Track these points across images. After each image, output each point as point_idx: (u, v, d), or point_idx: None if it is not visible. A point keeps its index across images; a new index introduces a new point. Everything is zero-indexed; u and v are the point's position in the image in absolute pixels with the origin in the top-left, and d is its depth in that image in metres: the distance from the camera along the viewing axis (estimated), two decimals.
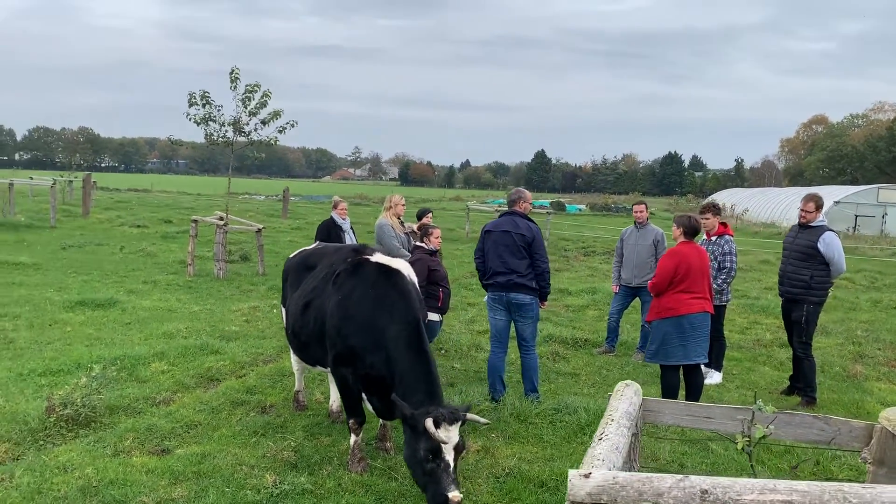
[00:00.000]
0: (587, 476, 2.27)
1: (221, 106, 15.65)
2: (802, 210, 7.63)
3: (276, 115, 15.79)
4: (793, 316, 7.63)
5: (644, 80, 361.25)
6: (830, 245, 7.24)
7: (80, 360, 7.72)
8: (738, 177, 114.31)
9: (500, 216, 7.25)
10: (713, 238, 8.16)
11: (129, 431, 5.81)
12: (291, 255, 6.70)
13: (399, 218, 8.73)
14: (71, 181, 34.35)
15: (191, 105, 15.48)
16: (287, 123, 16.02)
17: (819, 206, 7.55)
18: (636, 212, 9.58)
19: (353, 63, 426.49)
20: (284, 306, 6.42)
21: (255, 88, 15.58)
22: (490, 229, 7.03)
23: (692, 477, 2.22)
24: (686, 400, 6.85)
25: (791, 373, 8.14)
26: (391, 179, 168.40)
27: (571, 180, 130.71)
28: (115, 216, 26.81)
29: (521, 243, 6.80)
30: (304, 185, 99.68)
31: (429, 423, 4.35)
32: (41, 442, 5.56)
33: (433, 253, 7.65)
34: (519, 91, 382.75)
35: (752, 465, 2.86)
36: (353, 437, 5.36)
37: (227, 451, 5.53)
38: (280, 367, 8.06)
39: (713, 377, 8.18)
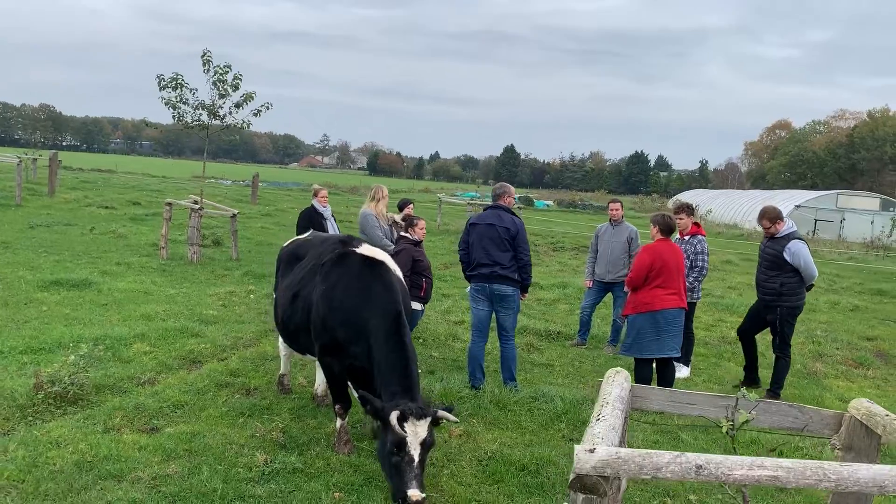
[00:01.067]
0: (592, 451, 2.47)
1: (196, 89, 15.60)
2: (762, 227, 7.92)
3: (248, 97, 15.77)
4: (767, 317, 7.92)
5: (615, 79, 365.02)
6: (796, 254, 7.53)
7: (61, 339, 7.74)
8: (702, 178, 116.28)
9: (484, 209, 7.45)
10: (686, 237, 8.45)
11: (118, 409, 5.89)
12: (285, 244, 6.80)
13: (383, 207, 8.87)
14: (35, 159, 33.68)
15: (161, 88, 15.39)
16: (262, 106, 16.01)
17: (773, 219, 7.79)
18: (611, 210, 9.85)
19: (326, 50, 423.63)
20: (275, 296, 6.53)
21: (227, 70, 15.54)
22: (475, 222, 7.23)
23: (687, 454, 2.43)
24: None
25: (744, 363, 8.47)
26: (359, 168, 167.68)
27: (540, 176, 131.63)
28: (82, 196, 26.40)
29: (506, 236, 7.01)
30: (272, 171, 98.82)
31: (393, 416, 4.43)
32: (30, 418, 5.62)
33: (417, 243, 7.82)
34: (491, 86, 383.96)
35: (734, 448, 3.09)
36: (338, 421, 5.51)
37: (216, 431, 5.64)
38: (261, 351, 8.17)
39: (681, 371, 8.49)
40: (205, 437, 5.50)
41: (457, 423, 5.29)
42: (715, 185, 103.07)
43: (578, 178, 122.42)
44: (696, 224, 8.55)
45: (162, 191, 34.81)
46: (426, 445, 4.52)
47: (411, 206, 9.39)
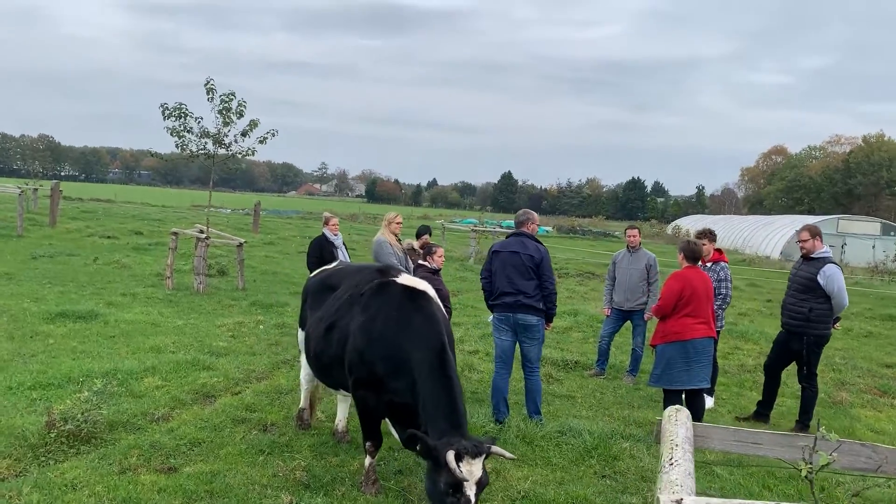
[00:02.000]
0: (679, 502, 2.28)
1: (201, 118, 15.49)
2: (799, 240, 7.79)
3: (254, 124, 15.66)
4: (793, 347, 7.70)
5: (610, 107, 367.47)
6: (831, 278, 7.34)
7: (70, 373, 7.53)
8: (699, 203, 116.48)
9: (507, 237, 7.28)
10: (708, 264, 8.28)
11: (133, 448, 5.66)
12: (312, 275, 6.61)
13: (396, 235, 8.70)
14: (36, 189, 33.56)
15: (165, 117, 15.29)
16: (267, 133, 15.88)
17: (814, 234, 7.67)
18: (629, 236, 9.71)
19: (323, 80, 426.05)
20: (302, 327, 6.31)
21: (231, 97, 15.45)
22: (498, 249, 7.06)
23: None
24: (656, 434, 6.92)
25: (760, 398, 8.23)
26: (357, 196, 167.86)
27: (537, 202, 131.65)
28: (84, 226, 26.24)
29: (530, 264, 6.83)
30: (271, 200, 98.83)
31: (450, 456, 4.20)
32: (42, 458, 5.39)
33: (436, 272, 7.64)
34: (488, 114, 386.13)
35: (813, 492, 2.89)
36: (368, 459, 5.28)
37: (237, 470, 5.42)
38: (275, 384, 7.95)
39: (706, 401, 8.27)
40: (225, 477, 5.27)
41: (513, 458, 5.00)
42: (712, 210, 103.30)
43: (575, 204, 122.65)
44: (718, 250, 8.39)
45: (163, 220, 34.70)
46: (481, 485, 4.31)
47: (428, 235, 9.20)
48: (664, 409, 7.02)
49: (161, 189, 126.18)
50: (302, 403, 6.62)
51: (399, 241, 8.67)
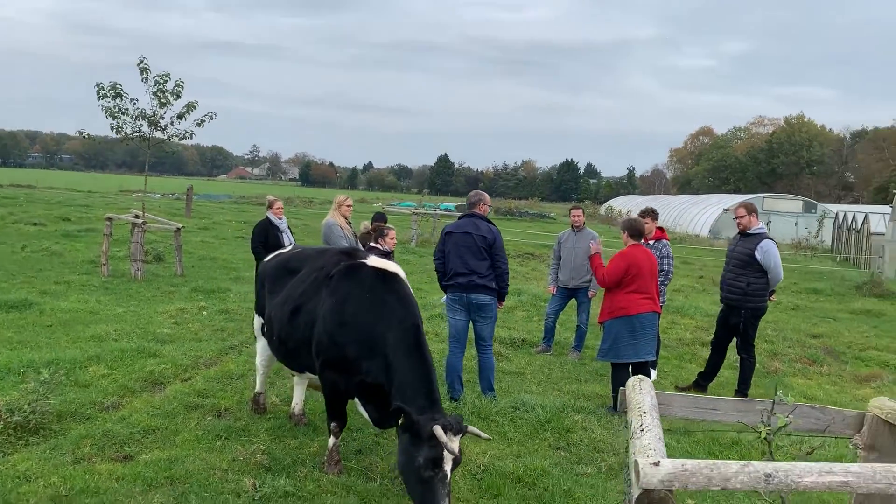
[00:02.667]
0: (657, 464, 2.40)
1: (137, 99, 15.02)
2: (735, 217, 8.11)
3: (191, 107, 15.26)
4: (731, 321, 8.03)
5: (542, 89, 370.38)
6: (767, 253, 7.68)
7: (9, 364, 7.26)
8: (629, 184, 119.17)
9: (459, 218, 7.35)
10: (651, 242, 8.53)
11: (85, 438, 5.54)
12: (267, 259, 6.51)
13: (346, 218, 8.68)
14: None
15: (100, 97, 14.76)
16: (205, 116, 15.50)
17: (750, 211, 8.00)
18: (574, 216, 9.90)
19: (253, 60, 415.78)
20: (260, 313, 6.23)
21: (166, 79, 15.03)
22: (451, 231, 7.13)
23: (755, 462, 2.39)
24: (613, 400, 7.18)
25: (702, 370, 8.57)
26: (291, 179, 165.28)
27: (474, 184, 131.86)
28: (7, 213, 25.18)
29: (483, 245, 6.93)
30: (201, 184, 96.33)
31: (438, 429, 4.26)
32: None
33: (388, 254, 7.66)
34: (423, 96, 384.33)
35: (770, 451, 3.07)
36: (332, 440, 5.30)
37: (195, 456, 5.36)
38: (224, 370, 7.85)
39: (650, 374, 8.56)
40: (184, 463, 5.22)
41: (489, 439, 5.11)
42: (642, 190, 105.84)
43: (511, 186, 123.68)
44: (660, 229, 8.66)
45: (90, 206, 33.57)
46: (456, 463, 4.39)
47: (384, 222, 9.18)
48: (612, 382, 7.28)
49: (85, 174, 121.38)
50: (258, 388, 6.53)
51: (349, 223, 8.66)
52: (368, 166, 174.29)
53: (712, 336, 8.73)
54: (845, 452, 5.80)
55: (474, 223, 7.06)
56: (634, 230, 7.32)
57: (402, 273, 5.47)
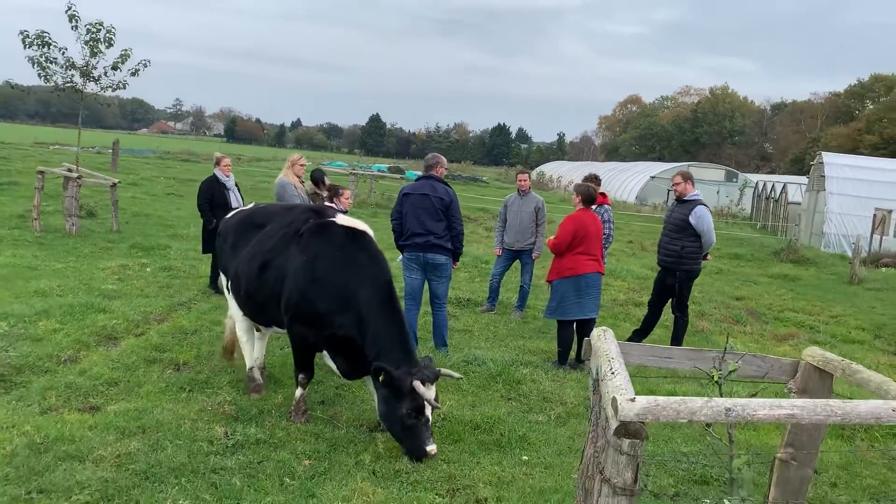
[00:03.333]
0: (633, 400, 2.72)
1: (66, 48, 14.51)
2: (672, 184, 8.57)
3: (125, 56, 14.86)
4: (667, 282, 8.53)
5: (476, 52, 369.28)
6: (701, 218, 8.17)
7: None
8: (559, 150, 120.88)
9: (417, 179, 7.55)
10: (593, 207, 8.93)
11: (49, 389, 5.58)
12: (228, 216, 6.53)
13: (300, 177, 8.75)
14: None
15: (26, 46, 14.22)
16: (139, 64, 15.12)
17: (686, 178, 8.46)
18: (520, 180, 10.22)
19: (177, 8, 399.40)
20: (224, 270, 6.27)
21: (99, 28, 14.56)
22: (409, 192, 7.33)
23: (716, 399, 2.73)
24: (577, 351, 7.62)
25: (637, 327, 9.11)
26: (216, 135, 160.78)
27: (406, 146, 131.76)
28: None
29: (440, 206, 7.16)
30: (122, 138, 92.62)
31: (418, 384, 4.64)
32: None
33: (342, 213, 7.79)
34: (355, 53, 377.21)
35: (721, 394, 3.44)
36: (299, 390, 5.50)
37: (162, 407, 5.48)
38: (177, 325, 7.90)
39: None
40: (152, 413, 5.34)
41: (460, 378, 5.51)
42: (571, 157, 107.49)
43: (444, 149, 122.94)
44: (602, 194, 9.05)
45: (7, 158, 32.15)
46: (437, 406, 4.78)
47: (327, 178, 9.27)
48: (558, 338, 7.69)
49: None
50: (248, 363, 6.18)
51: (302, 182, 8.73)
52: (297, 123, 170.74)
53: (648, 297, 9.25)
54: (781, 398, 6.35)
55: (431, 185, 7.28)
56: (588, 196, 7.68)
57: (370, 231, 5.65)
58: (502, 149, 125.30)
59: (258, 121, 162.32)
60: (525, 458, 5.19)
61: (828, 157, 25.59)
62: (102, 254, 11.98)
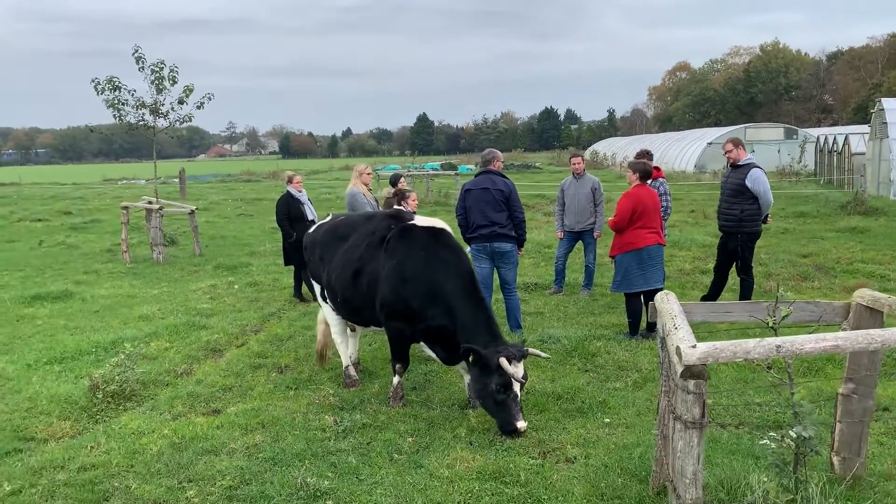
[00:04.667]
0: (694, 347, 3.15)
1: (135, 90, 15.50)
2: (724, 152, 8.83)
3: (188, 90, 15.75)
4: (729, 247, 8.79)
5: (515, 39, 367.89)
6: (757, 180, 8.41)
7: (80, 346, 8.00)
8: (611, 126, 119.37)
9: (476, 175, 8.04)
10: (649, 182, 9.24)
11: (175, 399, 6.28)
12: (312, 230, 7.13)
13: (367, 185, 9.33)
14: None
15: (99, 92, 15.27)
16: (204, 97, 16.01)
17: (737, 144, 8.69)
18: (574, 164, 10.59)
19: (220, 36, 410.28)
20: (316, 279, 6.83)
21: (162, 66, 15.48)
22: (470, 188, 7.83)
23: (767, 339, 3.14)
24: (648, 321, 7.97)
25: (704, 293, 9.38)
26: (271, 153, 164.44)
27: (455, 141, 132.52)
28: (8, 212, 25.61)
29: (500, 198, 7.64)
30: (184, 166, 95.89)
31: (503, 361, 5.16)
32: (96, 416, 5.96)
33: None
34: (395, 56, 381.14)
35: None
36: (396, 378, 6.07)
37: (275, 405, 6.11)
38: (273, 333, 8.59)
39: None
40: (267, 411, 5.97)
41: (548, 357, 6.10)
42: (624, 132, 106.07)
43: (493, 140, 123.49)
44: (656, 168, 9.36)
45: (84, 197, 34.05)
46: (523, 381, 5.30)
47: (403, 180, 9.83)
48: (627, 311, 8.07)
49: (63, 166, 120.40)
50: (344, 361, 6.75)
51: (370, 190, 9.32)
52: (347, 133, 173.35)
53: (713, 263, 9.52)
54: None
55: (490, 179, 7.76)
56: (645, 172, 8.02)
57: (448, 228, 6.19)
58: (552, 132, 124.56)
59: (310, 134, 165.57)
60: (607, 420, 5.63)
61: (888, 103, 24.93)
62: (191, 277, 12.85)
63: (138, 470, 4.86)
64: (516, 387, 5.24)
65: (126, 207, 14.91)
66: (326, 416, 5.74)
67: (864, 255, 12.99)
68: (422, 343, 5.97)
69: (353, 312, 6.38)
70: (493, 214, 7.66)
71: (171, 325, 8.89)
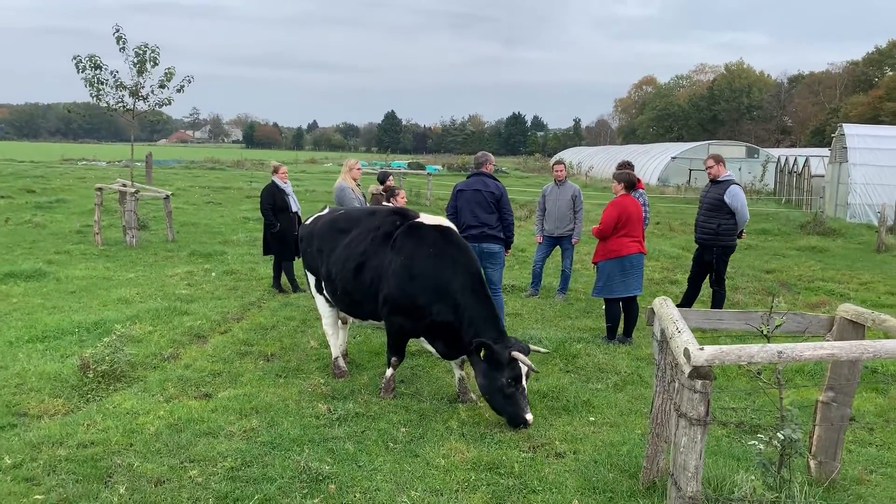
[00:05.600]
0: (702, 349, 3.37)
1: (117, 71, 15.36)
2: (705, 167, 9.17)
3: (169, 74, 15.65)
4: (705, 259, 9.13)
5: (487, 43, 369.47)
6: (735, 197, 8.77)
7: (61, 325, 7.96)
8: (576, 136, 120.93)
9: (468, 177, 8.22)
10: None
11: (165, 381, 6.33)
12: (307, 221, 7.22)
13: (356, 181, 9.45)
14: None
15: (80, 71, 15.10)
16: (184, 80, 15.93)
17: (718, 161, 9.06)
18: (556, 171, 10.86)
19: (189, 20, 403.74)
20: (312, 271, 6.89)
21: (145, 49, 15.36)
22: (462, 188, 8.01)
23: (770, 345, 3.38)
24: (625, 326, 8.25)
25: (677, 303, 9.69)
26: (234, 141, 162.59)
27: (422, 141, 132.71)
28: None
29: (491, 200, 7.83)
30: (143, 150, 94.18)
31: (518, 354, 5.37)
32: (87, 395, 5.98)
33: None
34: (366, 52, 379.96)
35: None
36: (389, 371, 6.21)
37: (266, 392, 6.20)
38: (256, 322, 8.64)
39: None
40: (259, 397, 6.06)
41: (547, 352, 6.39)
42: (588, 141, 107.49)
43: (460, 142, 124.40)
44: (637, 179, 9.64)
45: (45, 176, 33.36)
46: (528, 375, 5.52)
47: (391, 178, 9.95)
48: (606, 315, 8.32)
49: (19, 143, 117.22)
50: (333, 352, 6.84)
51: (358, 185, 9.43)
52: (313, 125, 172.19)
53: (681, 274, 9.85)
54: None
55: (482, 181, 7.95)
56: (630, 182, 8.30)
57: (453, 226, 6.35)
58: (518, 138, 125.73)
59: (275, 125, 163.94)
60: (592, 418, 5.85)
61: (849, 129, 25.85)
62: (166, 262, 12.77)
63: (138, 448, 4.93)
64: (525, 380, 5.44)
65: (100, 189, 14.73)
66: (319, 405, 5.85)
67: (825, 274, 13.54)
68: (422, 338, 6.11)
69: (353, 305, 6.46)
70: (484, 216, 7.85)
71: (153, 310, 8.86)
